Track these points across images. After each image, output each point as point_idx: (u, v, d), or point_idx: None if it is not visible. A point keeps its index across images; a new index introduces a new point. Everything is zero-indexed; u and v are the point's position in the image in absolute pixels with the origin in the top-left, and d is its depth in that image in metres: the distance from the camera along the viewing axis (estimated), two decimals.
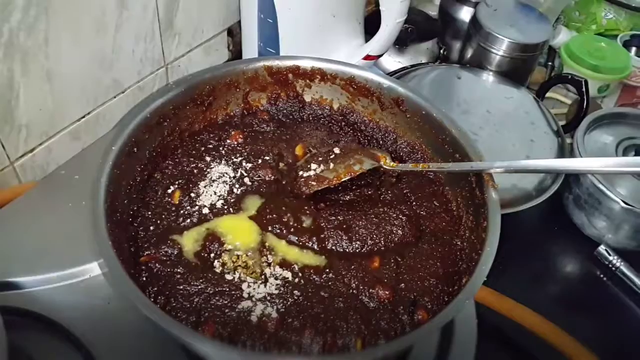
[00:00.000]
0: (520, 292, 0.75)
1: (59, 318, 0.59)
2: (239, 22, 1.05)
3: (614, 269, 0.83)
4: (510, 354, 0.75)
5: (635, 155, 0.84)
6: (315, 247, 0.55)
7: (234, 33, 1.07)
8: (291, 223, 0.56)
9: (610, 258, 0.84)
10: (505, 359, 0.75)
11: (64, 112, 0.81)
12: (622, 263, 0.83)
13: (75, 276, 0.64)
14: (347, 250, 0.55)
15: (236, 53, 1.10)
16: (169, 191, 0.58)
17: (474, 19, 0.97)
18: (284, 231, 0.55)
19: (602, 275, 0.85)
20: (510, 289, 0.74)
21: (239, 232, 0.55)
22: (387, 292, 0.51)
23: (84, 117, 0.84)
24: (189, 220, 0.56)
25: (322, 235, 0.55)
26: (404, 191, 0.61)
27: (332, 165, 0.59)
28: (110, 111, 0.88)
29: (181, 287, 0.50)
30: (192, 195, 0.58)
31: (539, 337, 0.72)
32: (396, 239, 0.56)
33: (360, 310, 0.50)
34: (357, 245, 0.55)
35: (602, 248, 0.85)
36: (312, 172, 0.59)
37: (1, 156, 0.75)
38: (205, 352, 0.43)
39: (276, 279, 0.51)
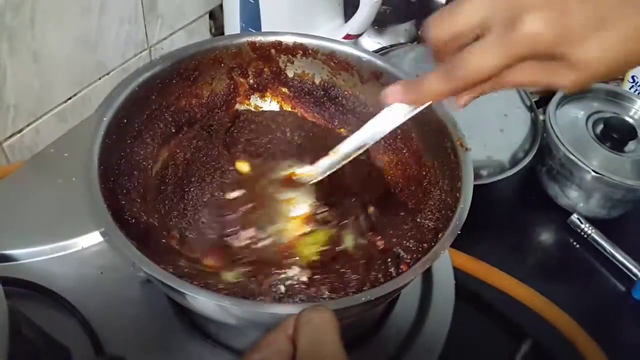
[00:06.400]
0: (497, 260, 0.78)
1: (54, 287, 0.61)
2: (221, 5, 1.07)
3: (585, 236, 0.88)
4: (487, 316, 0.79)
5: (604, 127, 0.88)
6: None
7: (216, 16, 1.08)
8: None
9: (582, 226, 0.88)
10: (482, 321, 0.78)
11: (50, 93, 0.82)
12: (593, 230, 0.87)
13: (69, 248, 0.66)
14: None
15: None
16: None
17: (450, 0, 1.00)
18: None
19: (574, 243, 0.89)
20: (486, 257, 0.78)
21: None
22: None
23: (70, 98, 0.85)
24: None
25: None
26: None
27: None
28: (95, 93, 0.89)
29: None
30: None
31: (515, 300, 0.76)
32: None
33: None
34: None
35: (574, 217, 0.89)
36: None
37: None
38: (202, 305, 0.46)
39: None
